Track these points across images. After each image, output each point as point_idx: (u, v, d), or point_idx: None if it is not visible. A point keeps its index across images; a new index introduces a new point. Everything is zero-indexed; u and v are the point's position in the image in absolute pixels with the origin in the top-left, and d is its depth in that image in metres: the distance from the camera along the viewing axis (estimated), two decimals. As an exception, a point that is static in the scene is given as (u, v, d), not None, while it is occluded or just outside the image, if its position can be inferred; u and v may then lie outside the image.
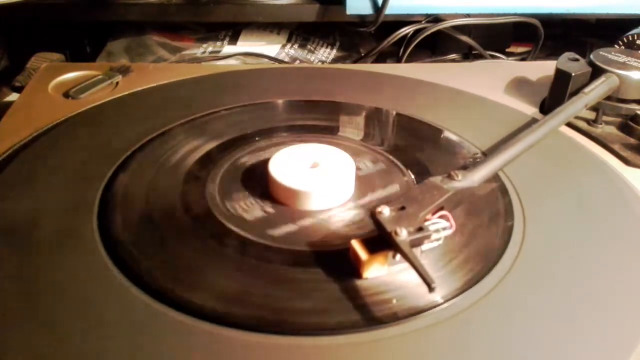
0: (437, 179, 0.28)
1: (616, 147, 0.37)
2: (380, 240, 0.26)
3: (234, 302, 0.25)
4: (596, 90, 0.38)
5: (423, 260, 0.25)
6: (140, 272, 0.26)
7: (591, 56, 0.41)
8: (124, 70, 0.46)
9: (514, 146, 0.32)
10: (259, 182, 0.32)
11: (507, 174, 0.33)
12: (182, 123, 0.38)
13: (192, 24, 0.64)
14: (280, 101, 0.42)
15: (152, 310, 0.24)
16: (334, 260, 0.27)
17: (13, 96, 0.51)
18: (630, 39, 0.50)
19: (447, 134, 0.38)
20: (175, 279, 0.26)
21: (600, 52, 0.41)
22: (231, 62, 0.58)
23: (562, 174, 0.34)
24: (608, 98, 0.39)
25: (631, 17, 0.56)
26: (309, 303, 0.25)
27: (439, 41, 0.61)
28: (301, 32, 0.64)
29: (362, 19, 0.57)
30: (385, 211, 0.26)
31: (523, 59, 0.61)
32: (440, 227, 0.26)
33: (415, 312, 0.24)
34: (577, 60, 0.41)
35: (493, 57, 0.60)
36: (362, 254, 0.25)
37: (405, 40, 0.57)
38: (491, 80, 0.46)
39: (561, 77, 0.40)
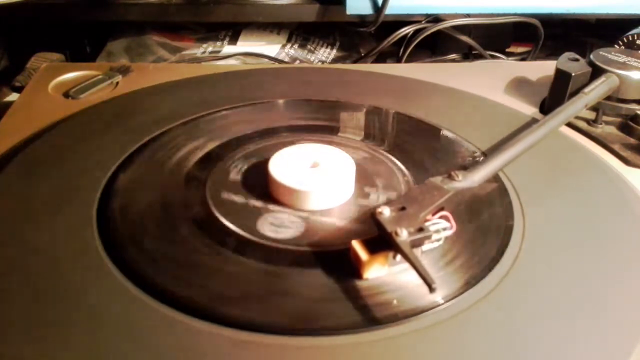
0: (437, 179, 0.28)
1: (616, 147, 0.37)
2: (381, 241, 0.26)
3: (234, 302, 0.25)
4: (596, 90, 0.38)
5: (423, 260, 0.25)
6: (140, 272, 0.26)
7: (591, 56, 0.41)
8: (124, 70, 0.46)
9: (514, 146, 0.32)
10: (259, 182, 0.32)
11: (507, 174, 0.33)
12: (182, 123, 0.38)
13: (192, 24, 0.64)
14: (280, 101, 0.42)
15: (152, 310, 0.24)
16: (334, 260, 0.27)
17: (13, 96, 0.51)
18: (630, 39, 0.50)
19: (447, 133, 0.38)
20: (175, 279, 0.26)
21: (600, 52, 0.41)
22: (231, 62, 0.58)
23: (562, 174, 0.34)
24: (608, 98, 0.39)
25: (631, 17, 0.56)
26: (308, 303, 0.25)
27: (439, 41, 0.61)
28: (301, 32, 0.64)
29: (362, 19, 0.57)
30: (386, 211, 0.26)
31: (523, 59, 0.61)
32: (441, 227, 0.26)
33: (416, 313, 0.24)
34: (577, 60, 0.41)
35: (493, 57, 0.60)
36: (363, 254, 0.25)
37: (405, 40, 0.57)
38: (491, 80, 0.46)
39: (561, 77, 0.40)
